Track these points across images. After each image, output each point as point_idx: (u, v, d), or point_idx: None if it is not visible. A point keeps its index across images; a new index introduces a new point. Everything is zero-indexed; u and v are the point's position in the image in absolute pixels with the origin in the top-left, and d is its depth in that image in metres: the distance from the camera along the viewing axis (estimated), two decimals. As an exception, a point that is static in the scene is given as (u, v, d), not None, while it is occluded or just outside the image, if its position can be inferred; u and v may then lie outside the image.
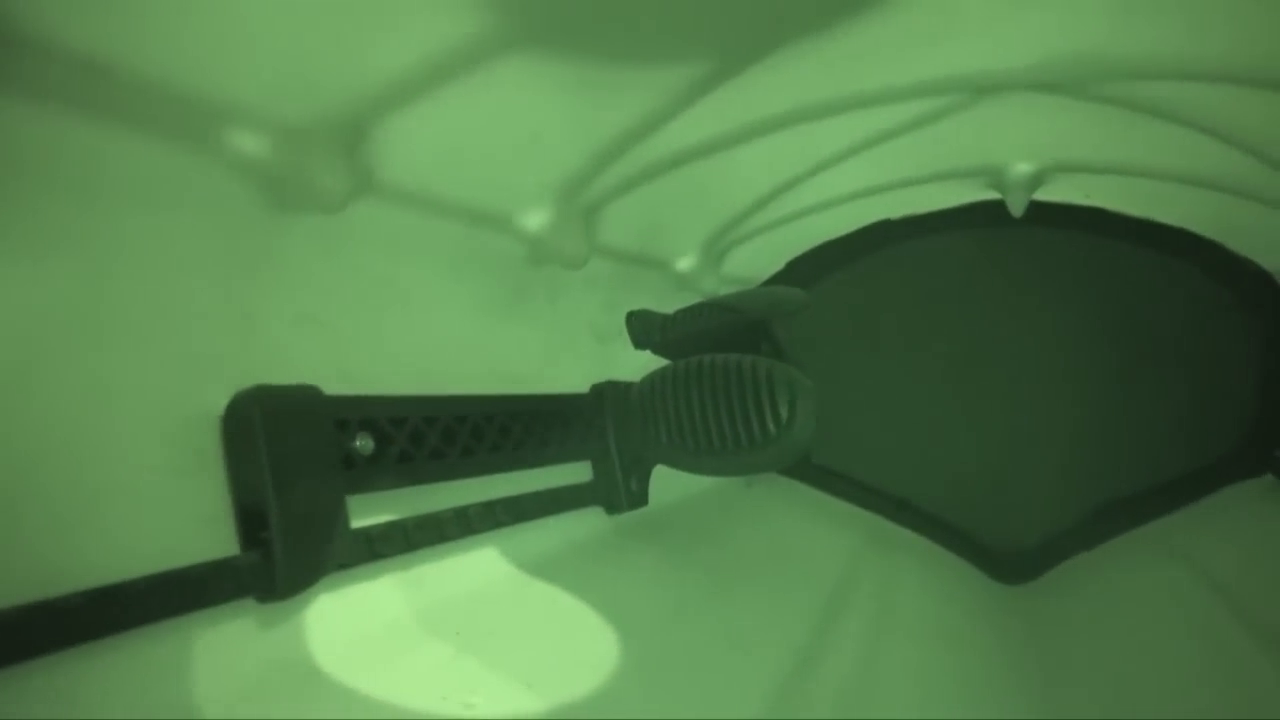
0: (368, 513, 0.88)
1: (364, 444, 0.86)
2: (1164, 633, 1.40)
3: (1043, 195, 1.74)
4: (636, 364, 1.42)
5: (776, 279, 1.99)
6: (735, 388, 1.23)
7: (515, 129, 1.00)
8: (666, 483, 1.42)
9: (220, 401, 0.76)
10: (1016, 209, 1.72)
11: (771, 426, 1.20)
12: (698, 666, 1.08)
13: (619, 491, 1.36)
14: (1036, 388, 1.97)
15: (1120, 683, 1.31)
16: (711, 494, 1.72)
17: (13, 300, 0.61)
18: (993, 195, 1.75)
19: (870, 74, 1.12)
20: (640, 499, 1.41)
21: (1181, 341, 1.87)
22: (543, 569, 1.09)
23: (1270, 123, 1.18)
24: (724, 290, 1.78)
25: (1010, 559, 1.95)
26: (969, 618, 1.71)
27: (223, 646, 0.72)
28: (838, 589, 1.50)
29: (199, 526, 0.72)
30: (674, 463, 1.32)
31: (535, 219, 1.16)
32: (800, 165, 1.46)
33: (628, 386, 1.35)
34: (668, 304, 1.45)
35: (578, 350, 1.42)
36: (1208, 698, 1.15)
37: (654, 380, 1.31)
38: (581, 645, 1.01)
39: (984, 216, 1.79)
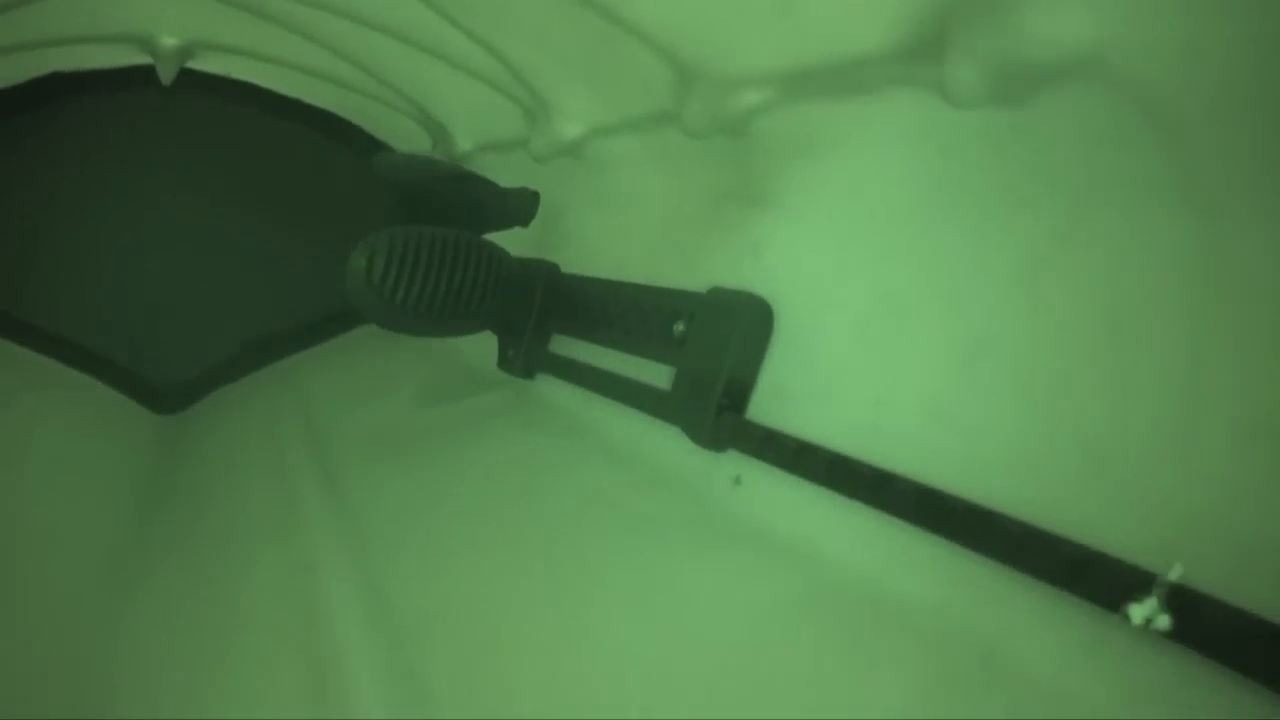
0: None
1: None
2: (253, 448, 1.80)
3: (197, 66, 2.03)
4: None
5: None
6: None
7: None
8: None
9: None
10: (165, 77, 1.97)
11: None
12: None
13: None
14: (194, 237, 2.27)
15: (209, 495, 1.64)
16: None
17: None
18: (149, 60, 1.97)
19: None
20: None
21: (328, 204, 2.31)
22: None
23: (355, 37, 1.58)
24: None
25: (163, 392, 2.24)
26: (109, 447, 1.92)
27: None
28: None
29: None
30: None
31: None
32: None
33: None
34: None
35: None
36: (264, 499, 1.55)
37: None
38: None
39: (143, 79, 2.01)
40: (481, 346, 1.59)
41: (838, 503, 0.82)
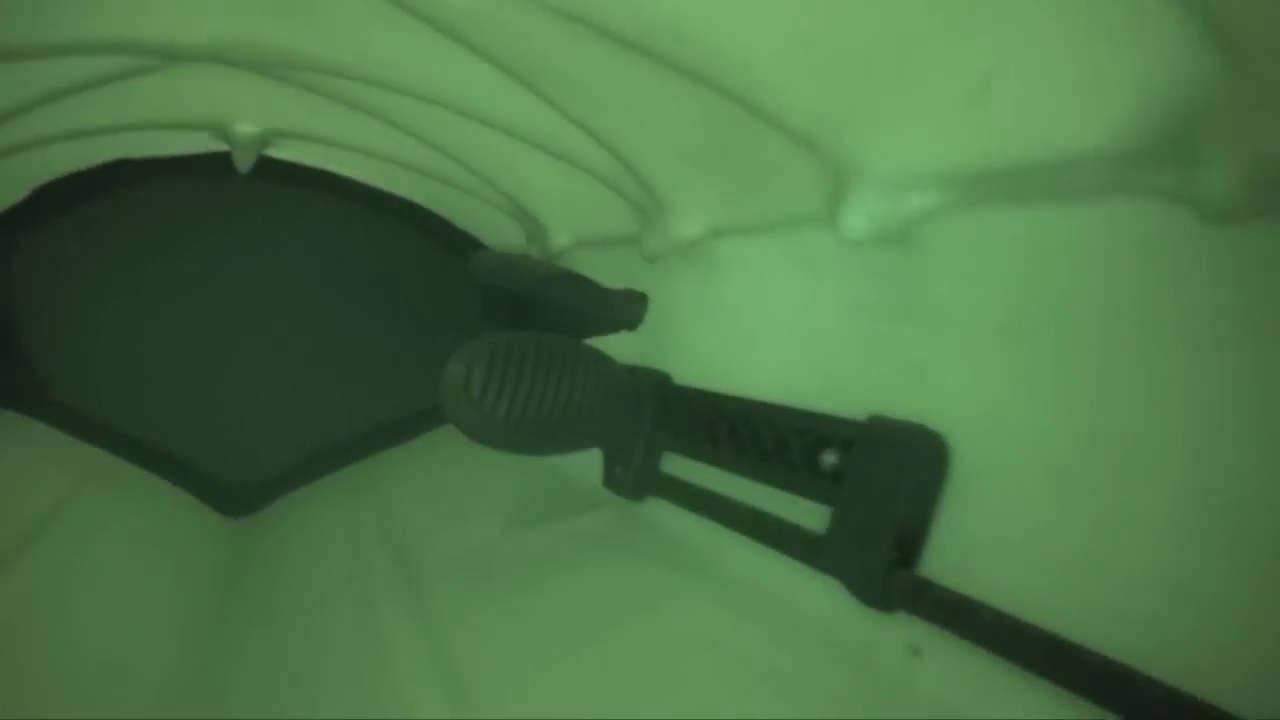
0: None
1: None
2: (331, 563, 1.68)
3: (275, 153, 1.96)
4: None
5: (22, 208, 1.95)
6: None
7: None
8: None
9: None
10: (242, 164, 1.91)
11: None
12: None
13: None
14: (268, 332, 2.18)
15: (284, 614, 1.52)
16: None
17: None
18: (225, 147, 1.91)
19: (29, 26, 1.20)
20: None
21: (409, 299, 2.23)
22: None
23: (447, 127, 1.49)
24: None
25: (235, 494, 2.13)
26: (177, 551, 1.85)
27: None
28: (37, 526, 1.52)
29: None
30: None
31: None
32: (20, 96, 1.47)
33: None
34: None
35: None
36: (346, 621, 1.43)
37: None
38: None
39: (217, 166, 1.95)
40: (580, 456, 1.46)
41: (1048, 693, 0.68)
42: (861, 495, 0.91)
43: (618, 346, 1.39)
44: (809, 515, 1.00)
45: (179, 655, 1.40)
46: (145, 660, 1.36)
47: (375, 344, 2.23)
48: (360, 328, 2.22)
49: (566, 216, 1.66)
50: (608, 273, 1.46)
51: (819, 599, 0.96)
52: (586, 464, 1.46)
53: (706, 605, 1.09)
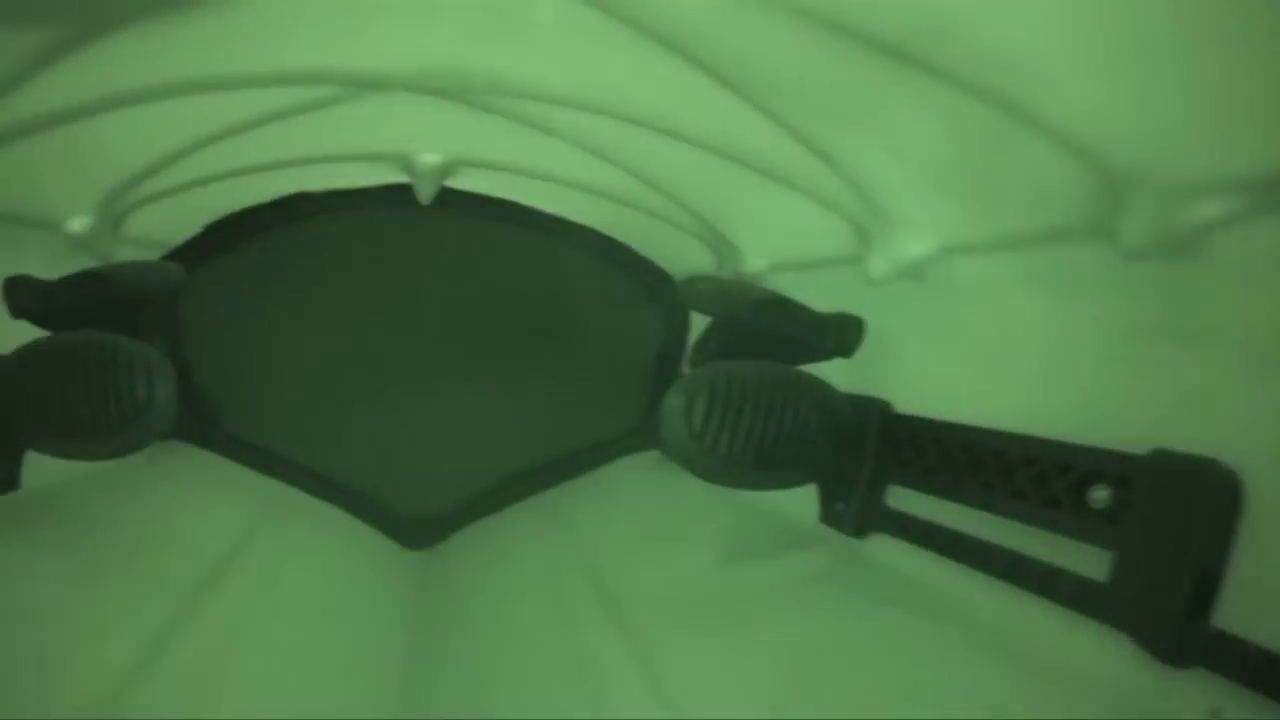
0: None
1: None
2: (528, 597, 1.64)
3: (455, 184, 1.96)
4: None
5: (193, 244, 1.99)
6: (93, 368, 1.25)
7: None
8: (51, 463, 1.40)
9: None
10: (425, 196, 1.93)
11: (129, 408, 1.25)
12: (33, 661, 1.08)
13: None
14: (448, 363, 2.18)
15: (483, 649, 1.50)
16: (104, 470, 1.67)
17: None
18: (406, 179, 1.93)
19: (233, 57, 1.21)
20: (9, 483, 1.38)
21: (590, 328, 2.20)
22: None
23: (640, 149, 1.45)
24: (128, 254, 1.77)
25: (416, 526, 2.13)
26: (362, 584, 1.85)
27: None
28: (223, 561, 1.53)
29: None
30: (40, 445, 1.31)
31: None
32: (201, 131, 1.50)
33: None
34: (62, 268, 1.44)
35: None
36: (554, 659, 1.40)
37: (23, 355, 1.29)
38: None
39: (399, 198, 1.97)
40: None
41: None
42: (1147, 537, 0.82)
43: (827, 374, 1.32)
44: (1062, 554, 0.93)
45: (376, 693, 1.39)
46: (343, 698, 1.35)
47: (554, 374, 2.20)
48: (540, 357, 2.20)
49: (766, 239, 1.60)
50: (808, 297, 1.39)
51: (1096, 652, 0.87)
52: (789, 497, 1.40)
53: (954, 654, 1.01)
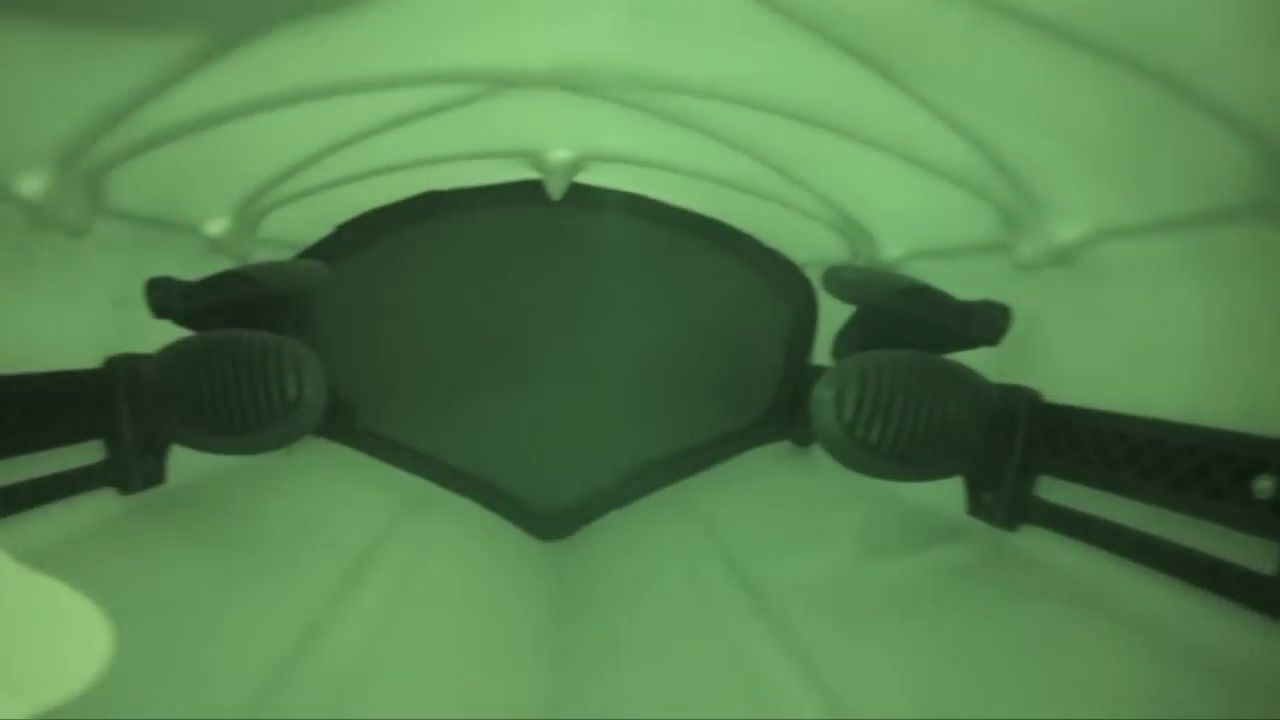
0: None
1: None
2: (668, 588, 1.65)
3: (584, 179, 1.99)
4: (172, 333, 1.43)
5: (324, 244, 2.06)
6: (243, 366, 1.29)
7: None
8: (193, 457, 1.45)
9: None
10: (555, 192, 1.96)
11: (279, 404, 1.29)
12: (188, 656, 1.11)
13: (133, 470, 1.37)
14: (578, 356, 2.20)
15: (627, 639, 1.51)
16: (244, 465, 1.75)
17: None
18: (536, 175, 1.96)
19: (377, 59, 1.24)
20: (157, 477, 1.44)
21: (717, 320, 2.20)
22: (42, 560, 1.07)
23: (778, 138, 1.45)
24: (263, 254, 1.83)
25: (549, 518, 2.17)
26: (501, 576, 1.88)
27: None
28: (365, 555, 1.57)
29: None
30: (188, 441, 1.36)
31: (31, 184, 1.15)
32: (336, 134, 1.55)
33: (145, 360, 1.37)
34: (200, 268, 1.48)
35: (91, 321, 1.41)
36: (701, 649, 1.39)
37: (169, 354, 1.33)
38: (74, 642, 1.01)
39: (528, 194, 2.00)
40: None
41: None
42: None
43: (971, 363, 1.30)
44: (1224, 546, 0.90)
45: (525, 683, 1.41)
46: (494, 688, 1.38)
47: (682, 366, 2.21)
48: (667, 350, 2.21)
49: (904, 226, 1.58)
50: (948, 284, 1.37)
51: (1262, 646, 0.84)
52: (929, 488, 1.38)
53: (1117, 650, 0.98)
